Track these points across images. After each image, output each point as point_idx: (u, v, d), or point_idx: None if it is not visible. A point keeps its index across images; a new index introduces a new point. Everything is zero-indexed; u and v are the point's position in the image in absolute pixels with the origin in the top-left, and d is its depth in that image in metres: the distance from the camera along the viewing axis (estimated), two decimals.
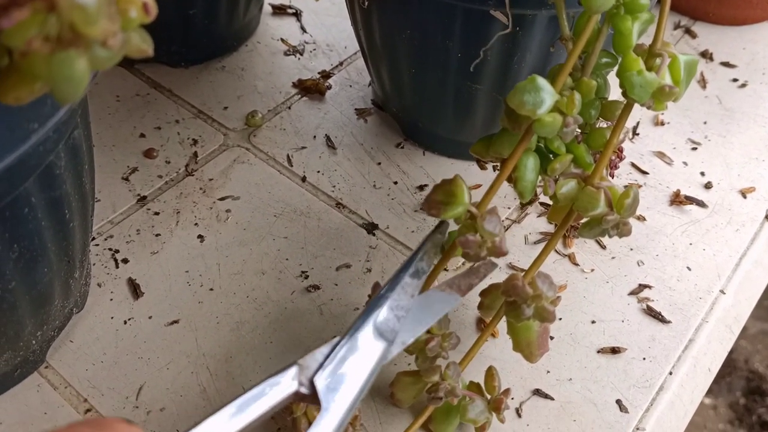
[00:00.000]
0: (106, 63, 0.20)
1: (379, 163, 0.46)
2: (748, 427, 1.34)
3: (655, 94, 0.30)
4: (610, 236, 0.32)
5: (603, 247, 0.42)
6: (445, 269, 0.41)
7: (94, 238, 0.41)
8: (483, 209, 0.30)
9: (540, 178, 0.34)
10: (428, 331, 0.33)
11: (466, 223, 0.29)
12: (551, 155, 0.34)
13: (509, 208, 0.44)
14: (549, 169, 0.33)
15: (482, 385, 0.34)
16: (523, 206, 0.44)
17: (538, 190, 0.43)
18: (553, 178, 0.34)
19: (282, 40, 0.54)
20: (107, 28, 0.19)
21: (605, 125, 0.34)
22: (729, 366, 1.42)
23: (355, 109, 0.49)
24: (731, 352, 1.44)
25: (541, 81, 0.27)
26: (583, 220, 0.34)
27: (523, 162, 0.33)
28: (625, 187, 0.32)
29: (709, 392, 1.39)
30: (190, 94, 0.50)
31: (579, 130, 0.35)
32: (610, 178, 0.35)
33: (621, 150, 0.37)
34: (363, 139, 0.48)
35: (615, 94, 0.35)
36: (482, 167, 0.47)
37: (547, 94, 0.27)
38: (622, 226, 0.32)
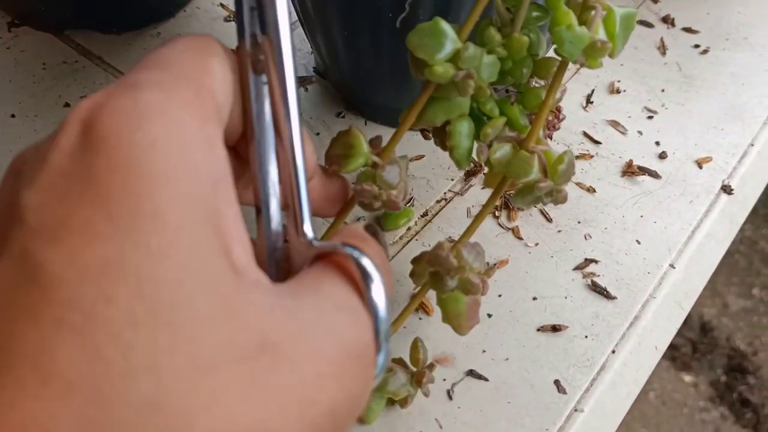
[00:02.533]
0: None
1: (318, 134, 0.44)
2: (728, 404, 1.34)
3: (586, 50, 0.28)
4: (545, 204, 0.30)
5: (549, 220, 0.40)
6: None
7: None
8: (387, 158, 0.28)
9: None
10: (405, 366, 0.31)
11: (367, 173, 0.27)
12: (486, 118, 0.32)
13: (452, 179, 0.42)
14: (482, 134, 0.31)
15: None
16: (467, 178, 0.42)
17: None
18: (487, 144, 0.31)
19: (222, 5, 0.51)
20: None
21: (541, 84, 0.32)
22: (711, 344, 1.41)
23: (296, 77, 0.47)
24: (712, 330, 1.44)
25: (445, 25, 0.25)
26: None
27: (456, 128, 0.31)
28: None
29: (690, 370, 1.39)
30: (122, 62, 0.47)
31: (512, 90, 0.32)
32: (548, 141, 0.33)
33: (559, 110, 0.34)
34: (302, 108, 0.45)
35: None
36: (426, 137, 0.44)
37: (448, 40, 0.25)
38: (555, 194, 0.29)
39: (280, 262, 0.21)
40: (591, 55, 0.28)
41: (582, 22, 0.28)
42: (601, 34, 0.28)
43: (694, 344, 1.44)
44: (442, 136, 0.33)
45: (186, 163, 0.16)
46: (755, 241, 1.56)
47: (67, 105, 0.44)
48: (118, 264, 0.14)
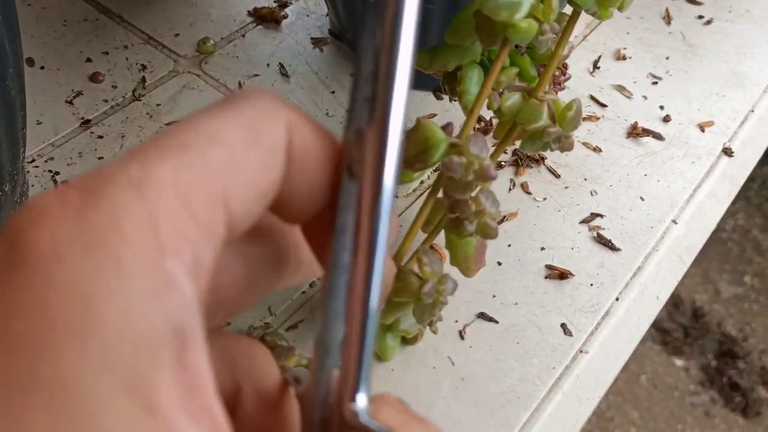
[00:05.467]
0: None
1: (333, 92, 0.45)
2: (718, 388, 1.36)
3: None
4: (552, 150, 0.31)
5: (557, 176, 0.41)
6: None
7: (33, 160, 0.40)
8: (465, 135, 0.28)
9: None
10: (419, 277, 0.30)
11: (451, 150, 0.27)
12: None
13: None
14: (495, 82, 0.32)
15: None
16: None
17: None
18: (498, 92, 0.33)
19: None
20: None
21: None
22: (702, 329, 1.43)
23: (311, 38, 0.48)
24: (704, 316, 1.46)
25: None
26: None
27: (467, 74, 0.32)
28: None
29: (681, 354, 1.41)
30: (140, 21, 0.48)
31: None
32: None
33: (566, 66, 0.36)
34: (318, 68, 0.46)
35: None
36: (438, 97, 0.46)
37: None
38: (563, 140, 0.31)
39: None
40: (603, 4, 0.29)
41: None
42: None
43: (685, 329, 1.46)
44: (452, 82, 0.34)
45: (107, 322, 0.12)
46: (748, 230, 1.58)
47: (88, 60, 0.45)
48: None
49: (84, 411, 0.11)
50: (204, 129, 0.13)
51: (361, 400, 0.15)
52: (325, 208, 0.16)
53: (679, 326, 1.44)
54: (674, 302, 1.44)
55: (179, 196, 0.13)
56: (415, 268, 0.31)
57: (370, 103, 0.15)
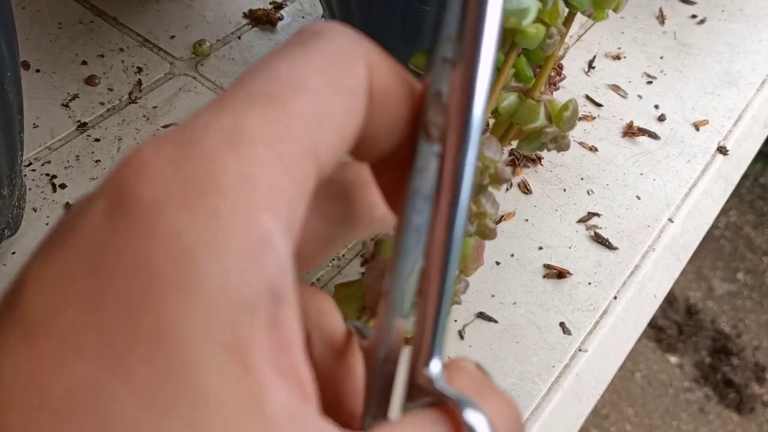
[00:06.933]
0: None
1: None
2: (712, 385, 1.37)
3: (596, 0, 0.29)
4: (549, 150, 0.32)
5: (554, 176, 0.42)
6: None
7: (30, 164, 0.40)
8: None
9: None
10: None
11: None
12: None
13: None
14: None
15: None
16: None
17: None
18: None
19: None
20: None
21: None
22: (696, 326, 1.44)
23: None
24: (698, 313, 1.46)
25: None
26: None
27: None
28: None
29: (675, 351, 1.42)
30: (135, 23, 0.48)
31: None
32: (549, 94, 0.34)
33: (561, 67, 0.36)
34: None
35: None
36: None
37: (530, 2, 0.26)
38: (560, 140, 0.31)
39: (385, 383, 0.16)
40: (599, 5, 0.29)
41: None
42: None
43: (679, 326, 1.47)
44: None
45: (208, 276, 0.12)
46: (740, 227, 1.59)
47: (84, 63, 0.45)
48: (86, 397, 0.11)
49: (184, 364, 0.11)
50: (287, 75, 0.13)
51: (435, 366, 0.15)
52: (399, 147, 0.15)
53: (673, 323, 1.45)
54: (668, 300, 1.44)
55: (272, 151, 0.12)
56: None
57: (453, 64, 0.15)
